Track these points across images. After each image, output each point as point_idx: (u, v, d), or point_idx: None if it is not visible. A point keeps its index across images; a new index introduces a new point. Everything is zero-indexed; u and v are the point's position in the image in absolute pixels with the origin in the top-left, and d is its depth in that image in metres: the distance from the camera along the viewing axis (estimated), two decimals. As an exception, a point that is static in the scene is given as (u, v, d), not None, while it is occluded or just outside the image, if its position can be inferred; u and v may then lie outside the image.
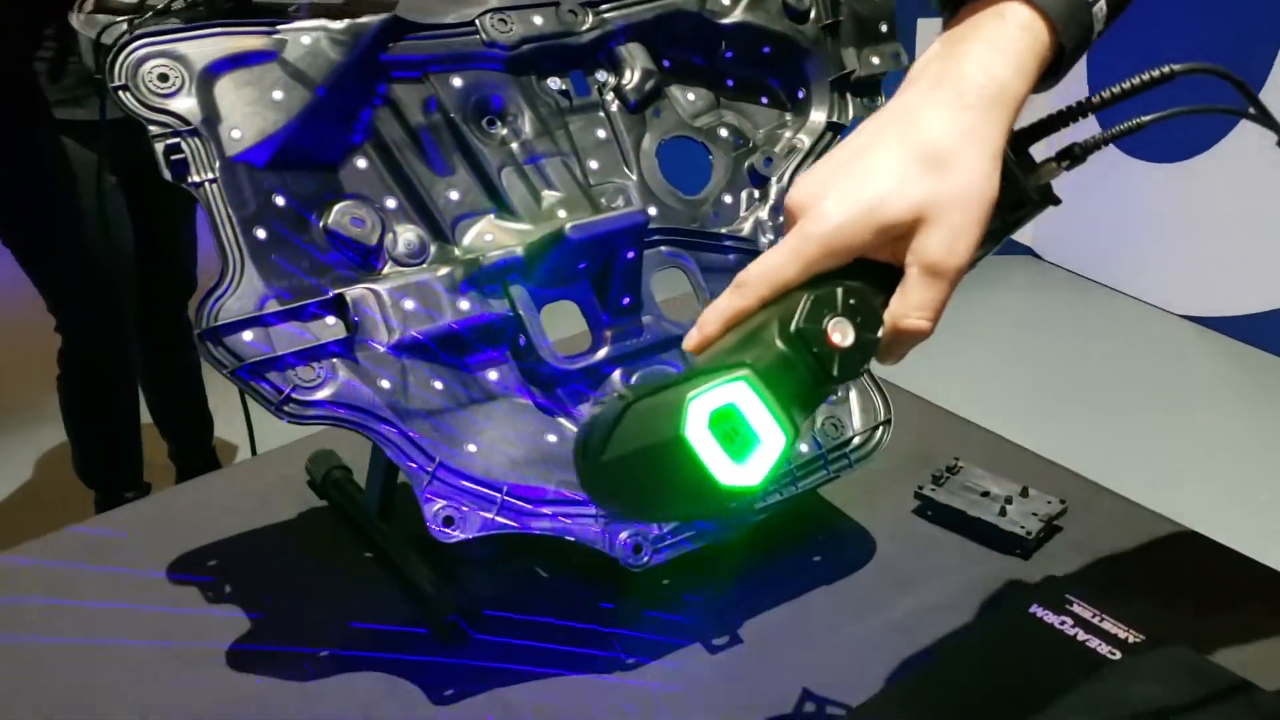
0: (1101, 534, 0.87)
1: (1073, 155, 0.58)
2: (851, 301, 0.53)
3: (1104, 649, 0.73)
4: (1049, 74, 0.57)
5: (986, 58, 0.54)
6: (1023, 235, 3.46)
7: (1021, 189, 0.57)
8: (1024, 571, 0.83)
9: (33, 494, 2.46)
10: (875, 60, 0.91)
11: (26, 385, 2.26)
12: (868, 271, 0.55)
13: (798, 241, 0.54)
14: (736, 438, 0.49)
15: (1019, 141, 0.58)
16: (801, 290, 0.53)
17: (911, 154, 0.53)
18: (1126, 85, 0.57)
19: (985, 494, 0.88)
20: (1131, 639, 0.74)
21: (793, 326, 0.51)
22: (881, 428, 0.82)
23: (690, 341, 0.56)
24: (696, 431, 0.48)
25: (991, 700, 0.70)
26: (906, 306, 0.53)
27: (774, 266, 0.54)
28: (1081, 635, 0.74)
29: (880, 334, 0.54)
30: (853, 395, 0.82)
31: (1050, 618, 0.76)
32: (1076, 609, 0.76)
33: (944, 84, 0.54)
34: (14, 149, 1.74)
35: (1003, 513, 0.86)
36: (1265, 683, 0.69)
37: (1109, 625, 0.75)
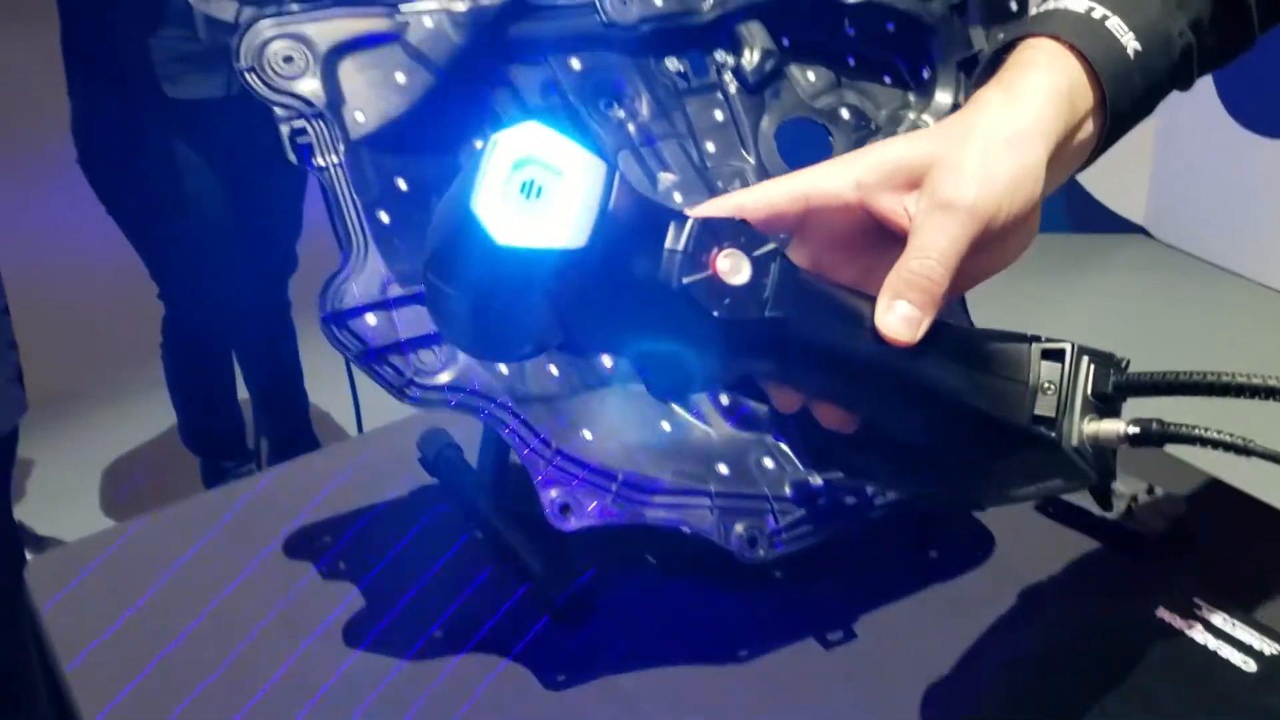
0: (1233, 537, 0.83)
1: (1148, 434, 0.49)
2: None
3: (1236, 658, 0.70)
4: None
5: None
6: (1133, 213, 3.35)
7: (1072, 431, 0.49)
8: (1150, 574, 0.80)
9: (140, 460, 2.54)
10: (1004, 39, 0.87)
11: (135, 352, 2.33)
12: None
13: None
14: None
15: (1121, 387, 0.50)
16: None
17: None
18: (1272, 385, 0.48)
19: (1109, 491, 0.85)
20: (1268, 650, 0.70)
21: None
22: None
23: None
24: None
25: (1114, 703, 0.68)
26: None
27: None
28: (1212, 643, 0.71)
29: None
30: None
31: (1178, 622, 0.73)
32: (1206, 614, 0.74)
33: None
34: (119, 124, 1.79)
35: (1128, 512, 0.83)
36: None
37: (1242, 633, 0.72)
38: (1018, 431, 0.49)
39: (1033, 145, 0.51)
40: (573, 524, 0.67)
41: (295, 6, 1.35)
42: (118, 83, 1.76)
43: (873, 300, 0.49)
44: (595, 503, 0.68)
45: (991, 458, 0.51)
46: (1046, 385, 0.49)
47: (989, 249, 0.51)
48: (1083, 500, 0.84)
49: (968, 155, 0.50)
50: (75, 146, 1.84)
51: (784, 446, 0.75)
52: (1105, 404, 0.50)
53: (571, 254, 0.42)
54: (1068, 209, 3.33)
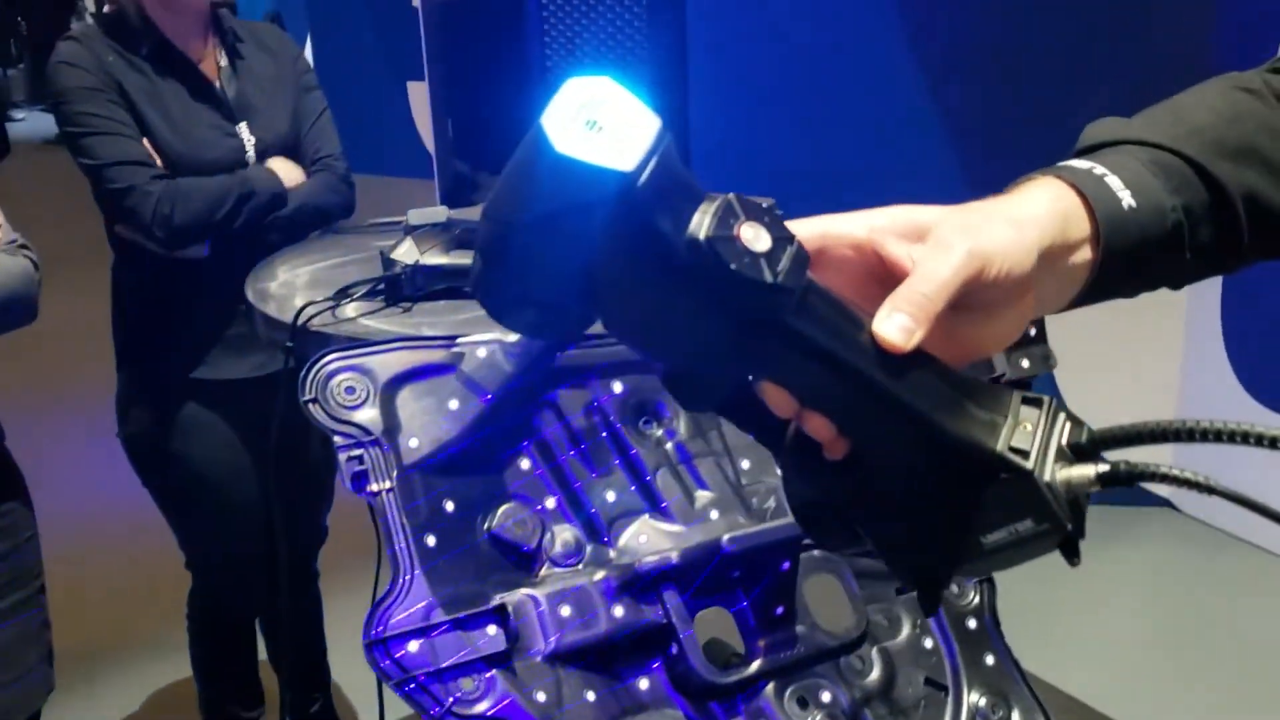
0: None
1: (1117, 473, 0.51)
2: None
3: None
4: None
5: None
6: (1158, 486, 3.34)
7: (1045, 483, 0.50)
8: None
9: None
10: (1025, 363, 0.91)
11: (160, 616, 2.30)
12: None
13: None
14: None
15: (1095, 441, 0.52)
16: None
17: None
18: (1231, 429, 0.51)
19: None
20: None
21: None
22: (1045, 751, 0.78)
23: None
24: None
25: None
26: None
27: None
28: None
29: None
30: (1015, 715, 0.79)
31: None
32: None
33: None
34: (156, 401, 1.85)
35: None
36: None
37: None
38: (993, 459, 0.51)
39: (1026, 229, 0.57)
40: None
41: (351, 309, 1.41)
42: (157, 362, 1.83)
43: (872, 314, 0.53)
44: (631, 840, 0.67)
45: (965, 490, 0.52)
46: (1024, 424, 0.52)
47: (978, 312, 0.56)
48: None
49: (970, 217, 0.57)
50: (117, 419, 1.89)
51: (825, 777, 0.74)
52: (1079, 458, 0.52)
53: (619, 178, 0.47)
54: (1091, 481, 3.33)
